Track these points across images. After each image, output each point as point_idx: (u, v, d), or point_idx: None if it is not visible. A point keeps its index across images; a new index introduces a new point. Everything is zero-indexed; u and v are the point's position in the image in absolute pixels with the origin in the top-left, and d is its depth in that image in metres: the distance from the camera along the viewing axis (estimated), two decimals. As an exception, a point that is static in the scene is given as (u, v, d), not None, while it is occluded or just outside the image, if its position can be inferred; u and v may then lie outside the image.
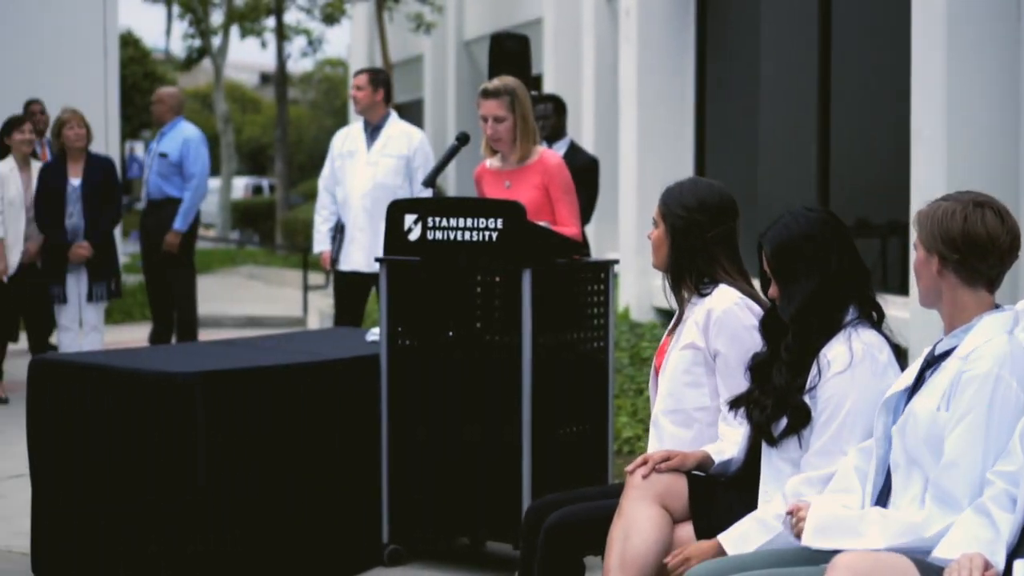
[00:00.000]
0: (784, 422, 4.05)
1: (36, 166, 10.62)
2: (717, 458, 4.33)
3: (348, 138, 9.11)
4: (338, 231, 9.13)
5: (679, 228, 4.52)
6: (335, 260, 9.16)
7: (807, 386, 4.01)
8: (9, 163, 10.48)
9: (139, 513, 5.58)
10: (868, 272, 4.16)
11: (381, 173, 8.78)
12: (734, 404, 4.27)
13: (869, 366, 3.96)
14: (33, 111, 11.55)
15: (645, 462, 4.26)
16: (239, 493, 5.60)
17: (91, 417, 5.77)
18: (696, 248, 4.51)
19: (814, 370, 4.01)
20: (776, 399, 4.06)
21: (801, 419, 4.01)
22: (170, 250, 10.83)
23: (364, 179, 8.81)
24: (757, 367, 4.23)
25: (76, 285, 10.30)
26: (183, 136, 11.06)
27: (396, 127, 8.93)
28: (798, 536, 3.72)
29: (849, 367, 3.95)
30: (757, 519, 4.02)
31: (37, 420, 5.97)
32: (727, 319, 4.43)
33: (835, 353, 3.99)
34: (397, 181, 8.74)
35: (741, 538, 4.00)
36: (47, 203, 10.25)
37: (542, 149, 6.65)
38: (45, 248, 10.41)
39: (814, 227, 4.08)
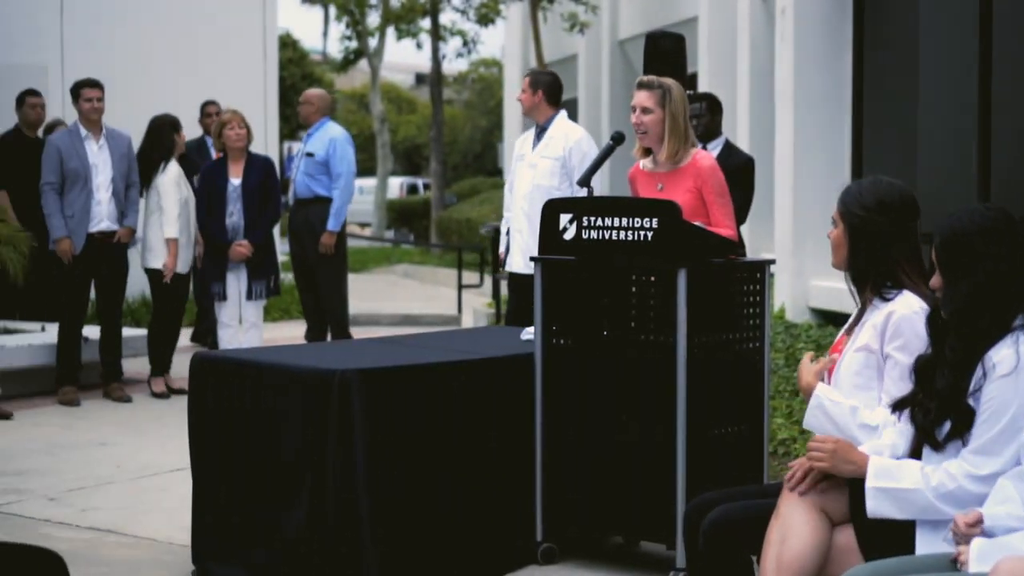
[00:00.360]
0: (948, 425, 4.00)
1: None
2: None
3: (524, 141, 9.12)
4: (507, 232, 9.20)
5: (857, 227, 4.46)
6: (503, 260, 9.24)
7: (971, 388, 3.96)
8: (175, 164, 10.78)
9: (296, 509, 5.66)
10: None
11: (539, 175, 8.75)
12: (898, 406, 4.22)
13: None
14: (209, 112, 11.76)
15: (805, 475, 4.22)
16: (395, 491, 5.64)
17: (249, 413, 5.87)
18: (875, 248, 4.46)
19: (979, 372, 3.95)
20: (940, 402, 4.01)
21: (965, 423, 3.96)
22: (326, 251, 11.03)
23: (525, 181, 8.81)
24: (921, 369, 4.18)
25: (236, 283, 10.49)
26: (329, 136, 11.24)
27: (559, 128, 8.85)
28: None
29: (1015, 371, 3.89)
30: (910, 467, 4.07)
31: (197, 415, 6.09)
32: (904, 325, 4.37)
33: (1001, 356, 3.93)
34: (553, 182, 8.69)
35: (885, 471, 4.09)
36: (209, 202, 10.48)
37: (695, 151, 6.58)
38: (205, 246, 10.65)
39: (987, 223, 4.01)
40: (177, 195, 10.69)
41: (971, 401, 3.96)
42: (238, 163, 10.46)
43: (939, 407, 4.02)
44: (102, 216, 10.55)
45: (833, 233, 4.56)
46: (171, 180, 10.70)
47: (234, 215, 10.42)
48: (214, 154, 11.25)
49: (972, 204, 4.12)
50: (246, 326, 10.50)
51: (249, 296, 10.48)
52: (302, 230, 11.25)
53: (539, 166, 8.74)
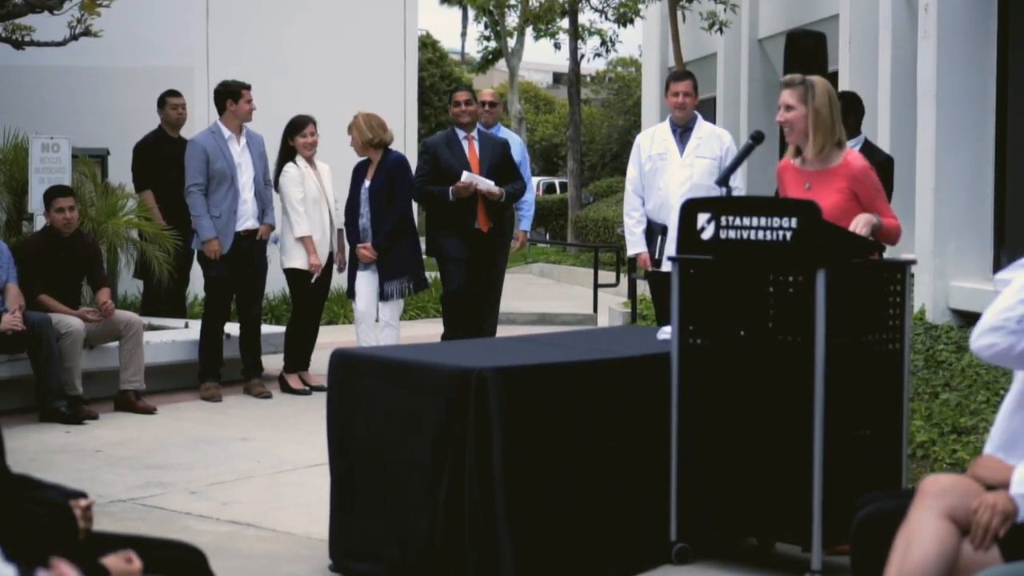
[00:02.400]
0: None
1: (324, 167, 10.99)
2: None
3: (655, 140, 9.16)
4: (661, 232, 9.21)
5: None
6: (658, 261, 9.24)
7: None
8: (301, 163, 10.86)
9: (433, 506, 5.69)
10: None
11: (697, 174, 8.90)
12: None
13: None
14: (458, 100, 11.11)
15: (985, 532, 4.08)
16: (531, 489, 5.65)
17: (387, 409, 5.91)
18: None
19: None
20: None
21: None
22: (520, 249, 11.36)
23: (681, 180, 8.90)
24: None
25: (370, 281, 10.53)
26: (516, 141, 11.37)
27: (705, 128, 9.00)
28: None
29: None
30: None
31: (336, 411, 6.14)
32: None
33: None
34: (710, 182, 8.74)
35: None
36: (348, 203, 10.59)
37: (846, 151, 6.48)
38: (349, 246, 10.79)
39: None
40: (300, 194, 10.78)
41: None
42: (374, 165, 10.52)
43: None
44: (248, 215, 10.71)
45: None
46: (290, 180, 10.78)
47: (363, 217, 10.47)
48: (466, 146, 10.67)
49: None
50: (381, 325, 10.52)
51: (382, 297, 10.49)
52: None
53: (696, 165, 8.92)
